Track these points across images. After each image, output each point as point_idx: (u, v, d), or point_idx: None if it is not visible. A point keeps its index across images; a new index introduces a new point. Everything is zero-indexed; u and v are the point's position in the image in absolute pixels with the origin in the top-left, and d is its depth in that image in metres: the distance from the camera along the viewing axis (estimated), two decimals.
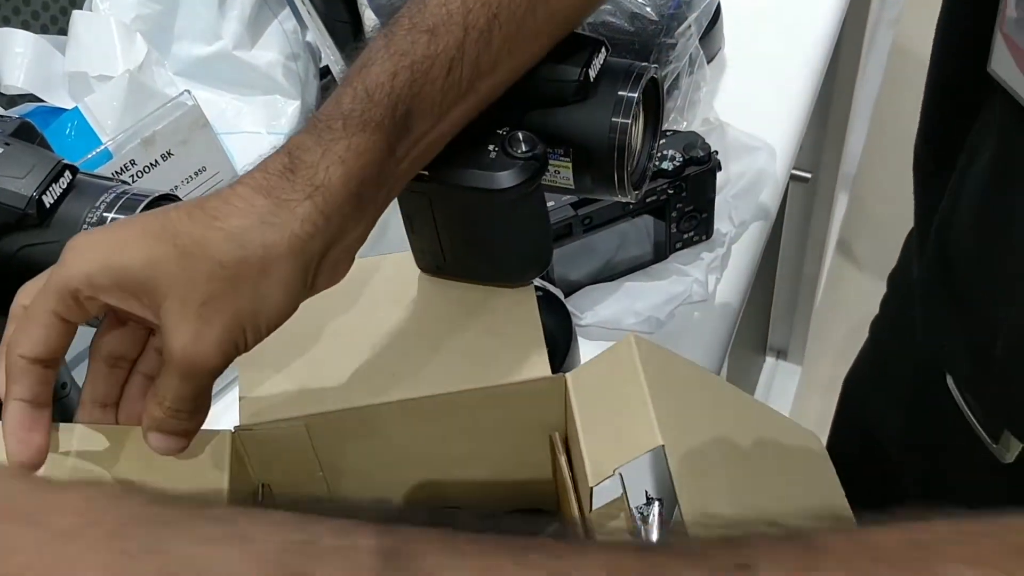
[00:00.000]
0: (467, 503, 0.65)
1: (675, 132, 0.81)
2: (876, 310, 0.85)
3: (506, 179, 0.54)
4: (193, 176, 0.71)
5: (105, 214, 0.55)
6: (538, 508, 0.65)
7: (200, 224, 0.44)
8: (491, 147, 0.55)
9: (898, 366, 0.77)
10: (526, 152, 0.55)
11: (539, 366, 0.57)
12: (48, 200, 0.55)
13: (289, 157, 0.46)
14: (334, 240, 0.47)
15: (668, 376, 0.56)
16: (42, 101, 0.81)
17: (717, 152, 0.79)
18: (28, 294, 0.46)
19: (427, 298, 0.62)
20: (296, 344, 0.59)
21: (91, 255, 0.44)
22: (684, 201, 0.80)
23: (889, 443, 0.76)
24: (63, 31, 0.86)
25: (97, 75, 0.79)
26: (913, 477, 0.74)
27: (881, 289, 0.85)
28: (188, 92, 0.70)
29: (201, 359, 0.44)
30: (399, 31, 0.49)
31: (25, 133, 0.59)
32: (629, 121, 0.58)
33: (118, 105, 0.72)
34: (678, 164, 0.78)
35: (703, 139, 0.79)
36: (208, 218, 0.44)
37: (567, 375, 0.56)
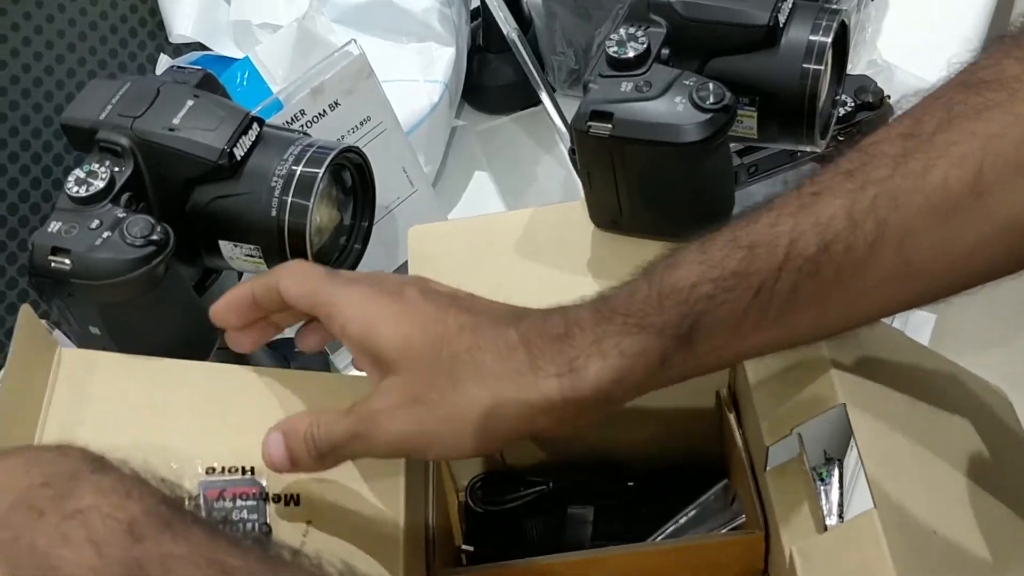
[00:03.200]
0: (636, 462, 0.65)
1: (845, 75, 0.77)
2: None
3: (696, 131, 0.53)
4: (358, 126, 0.72)
5: (294, 167, 0.56)
6: (706, 468, 0.64)
7: (464, 343, 0.46)
8: (678, 98, 0.54)
9: None
10: (715, 103, 0.53)
11: None
12: (239, 152, 0.56)
13: (565, 325, 0.46)
14: (560, 423, 0.47)
15: None
16: (209, 50, 0.82)
17: (890, 96, 0.76)
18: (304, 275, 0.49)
19: (599, 252, 0.61)
20: None
21: (363, 319, 0.47)
22: None
23: None
24: None
25: (260, 23, 0.80)
26: None
27: None
28: (354, 41, 0.70)
29: (381, 438, 0.46)
30: (718, 241, 0.46)
31: (209, 85, 0.60)
32: (822, 68, 0.56)
33: (287, 54, 0.73)
34: (849, 109, 0.75)
35: (875, 83, 0.76)
36: (473, 344, 0.46)
37: None
